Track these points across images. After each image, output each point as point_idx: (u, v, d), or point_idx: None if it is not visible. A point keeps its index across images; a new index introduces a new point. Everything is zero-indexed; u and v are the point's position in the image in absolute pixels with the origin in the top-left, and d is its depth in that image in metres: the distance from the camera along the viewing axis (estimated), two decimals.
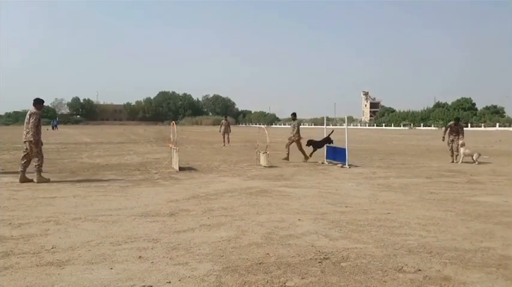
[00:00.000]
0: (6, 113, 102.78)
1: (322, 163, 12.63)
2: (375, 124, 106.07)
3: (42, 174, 8.63)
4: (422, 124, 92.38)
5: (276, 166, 11.82)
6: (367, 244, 4.28)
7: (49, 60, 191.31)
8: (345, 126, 13.20)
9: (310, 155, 13.31)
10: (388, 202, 6.64)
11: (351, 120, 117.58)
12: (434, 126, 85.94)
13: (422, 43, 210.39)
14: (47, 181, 8.50)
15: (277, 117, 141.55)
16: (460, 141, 13.11)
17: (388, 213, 5.78)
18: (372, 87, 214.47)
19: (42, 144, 8.73)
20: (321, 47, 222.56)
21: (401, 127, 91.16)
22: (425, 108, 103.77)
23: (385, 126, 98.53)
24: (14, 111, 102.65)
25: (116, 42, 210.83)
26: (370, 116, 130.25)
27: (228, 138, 22.06)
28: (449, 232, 4.82)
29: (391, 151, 18.80)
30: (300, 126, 14.01)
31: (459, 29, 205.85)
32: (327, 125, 14.15)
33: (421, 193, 7.52)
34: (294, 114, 13.99)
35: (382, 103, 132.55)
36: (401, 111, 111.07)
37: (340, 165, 11.81)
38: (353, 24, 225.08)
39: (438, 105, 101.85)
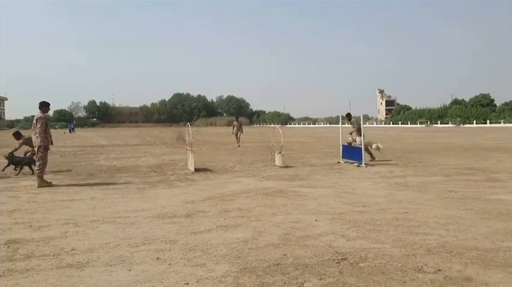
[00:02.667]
0: (25, 117, 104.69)
1: (338, 163, 12.54)
2: (391, 122, 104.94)
3: (46, 177, 8.79)
4: (439, 121, 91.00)
5: (291, 166, 11.78)
6: (385, 244, 4.23)
7: (66, 65, 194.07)
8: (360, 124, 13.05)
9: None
10: (405, 201, 6.55)
11: (366, 118, 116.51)
12: (451, 124, 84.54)
13: (438, 38, 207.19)
14: (49, 184, 8.52)
15: (292, 117, 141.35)
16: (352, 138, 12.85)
17: (406, 212, 5.70)
18: (387, 85, 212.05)
19: (48, 149, 8.80)
20: (336, 46, 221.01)
21: (418, 125, 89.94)
22: (442, 105, 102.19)
23: (401, 124, 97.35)
24: (32, 116, 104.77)
25: (130, 45, 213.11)
26: (386, 114, 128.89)
27: (239, 138, 22.32)
28: (470, 231, 4.73)
29: (408, 149, 18.56)
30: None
31: (477, 23, 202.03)
32: (342, 124, 13.98)
33: (439, 191, 7.40)
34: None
35: (397, 101, 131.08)
36: (418, 108, 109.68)
37: (357, 164, 11.71)
38: (368, 22, 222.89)
39: (455, 102, 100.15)
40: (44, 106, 8.78)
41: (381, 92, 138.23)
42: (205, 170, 11.20)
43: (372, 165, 11.69)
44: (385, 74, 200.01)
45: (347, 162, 12.44)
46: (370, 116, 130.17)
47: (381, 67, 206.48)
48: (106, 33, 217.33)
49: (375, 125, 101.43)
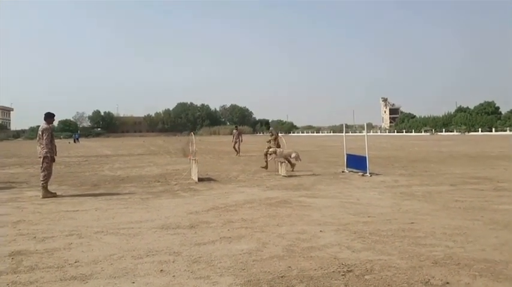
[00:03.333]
0: (30, 127, 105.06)
1: (343, 172, 12.48)
2: (395, 130, 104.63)
3: (51, 188, 8.80)
4: (444, 129, 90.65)
5: (295, 176, 11.75)
6: (391, 256, 4.18)
7: (71, 76, 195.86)
8: (364, 133, 13.04)
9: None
10: (411, 211, 6.49)
11: (370, 127, 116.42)
12: (456, 132, 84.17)
13: (440, 46, 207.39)
14: (54, 195, 8.55)
15: (295, 126, 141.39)
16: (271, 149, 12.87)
17: (412, 223, 5.64)
18: (391, 93, 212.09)
19: (54, 160, 8.84)
20: (338, 53, 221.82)
21: (423, 133, 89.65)
22: (446, 113, 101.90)
23: (405, 132, 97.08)
24: (37, 126, 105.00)
25: (136, 55, 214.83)
26: (390, 122, 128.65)
27: (238, 148, 21.91)
28: (478, 242, 4.66)
29: (412, 158, 18.46)
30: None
31: (477, 31, 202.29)
32: (346, 132, 13.96)
33: (445, 201, 7.33)
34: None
35: (401, 109, 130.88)
36: (422, 116, 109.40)
37: (361, 173, 11.65)
38: (371, 29, 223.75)
39: (460, 109, 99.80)
40: (49, 117, 8.85)
41: (385, 100, 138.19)
42: (209, 179, 11.19)
43: (377, 174, 11.62)
44: (388, 82, 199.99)
45: (351, 171, 12.39)
46: (374, 124, 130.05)
47: (384, 75, 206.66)
48: (111, 44, 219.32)
49: (378, 133, 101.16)
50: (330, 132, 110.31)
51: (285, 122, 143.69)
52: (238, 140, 21.95)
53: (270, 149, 12.81)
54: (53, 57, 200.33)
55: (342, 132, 14.13)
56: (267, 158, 13.27)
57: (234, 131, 22.73)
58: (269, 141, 13.69)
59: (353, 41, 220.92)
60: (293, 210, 6.72)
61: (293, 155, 12.49)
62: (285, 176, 11.58)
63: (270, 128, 13.46)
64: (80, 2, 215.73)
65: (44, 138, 8.56)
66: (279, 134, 14.90)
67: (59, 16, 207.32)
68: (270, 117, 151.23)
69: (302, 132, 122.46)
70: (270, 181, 10.65)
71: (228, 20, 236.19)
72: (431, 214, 6.21)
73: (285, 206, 7.05)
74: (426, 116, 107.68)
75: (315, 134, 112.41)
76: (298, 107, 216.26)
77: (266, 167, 13.35)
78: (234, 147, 22.10)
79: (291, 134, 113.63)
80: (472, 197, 7.72)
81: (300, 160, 12.87)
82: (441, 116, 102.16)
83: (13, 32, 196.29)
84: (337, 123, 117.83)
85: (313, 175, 12.03)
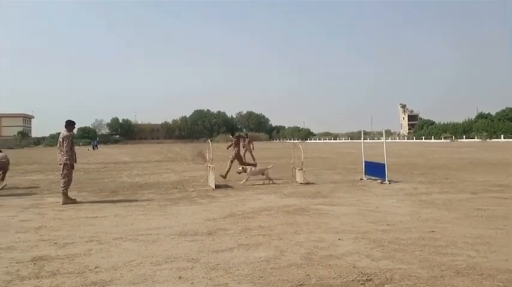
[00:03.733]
0: (51, 134, 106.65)
1: (361, 179, 12.35)
2: (414, 137, 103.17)
3: (71, 194, 8.98)
4: (464, 136, 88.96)
5: (312, 183, 11.68)
6: (411, 265, 4.11)
7: (89, 85, 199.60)
8: (382, 140, 12.90)
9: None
10: (431, 219, 6.37)
11: (388, 134, 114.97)
12: (477, 138, 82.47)
13: (459, 53, 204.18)
14: (74, 201, 8.70)
15: (312, 132, 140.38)
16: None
17: (433, 231, 5.54)
18: (409, 99, 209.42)
19: (73, 167, 9.00)
20: (356, 61, 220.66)
21: (442, 140, 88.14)
22: (467, 120, 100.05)
23: (424, 139, 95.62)
24: (58, 133, 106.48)
25: (152, 64, 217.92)
26: (409, 129, 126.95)
27: (250, 157, 19.55)
28: (501, 251, 4.55)
29: (432, 164, 18.16)
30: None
31: (498, 36, 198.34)
32: (364, 139, 13.82)
33: (467, 209, 7.18)
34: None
35: (420, 115, 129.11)
36: (442, 123, 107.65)
37: (380, 181, 11.51)
38: (389, 35, 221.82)
39: (481, 116, 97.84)
40: (70, 125, 9.05)
41: (403, 106, 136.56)
42: (226, 186, 11.22)
43: (396, 182, 11.47)
44: (406, 88, 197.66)
45: (370, 178, 12.25)
46: (392, 131, 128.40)
47: (402, 80, 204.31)
48: (129, 53, 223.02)
49: (397, 140, 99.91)
50: (348, 139, 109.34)
51: (302, 128, 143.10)
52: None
53: (239, 168, 12.24)
54: (72, 65, 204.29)
55: (360, 139, 13.99)
56: (230, 166, 12.85)
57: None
58: (230, 146, 13.67)
59: (369, 48, 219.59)
60: (311, 218, 6.67)
61: (266, 171, 12.01)
62: (302, 183, 11.52)
63: (237, 134, 13.44)
64: (100, 12, 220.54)
65: (65, 145, 8.74)
66: (296, 141, 14.81)
67: (77, 24, 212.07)
68: (287, 124, 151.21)
69: (319, 139, 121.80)
70: (287, 188, 10.62)
71: (249, 29, 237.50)
72: (452, 223, 6.09)
73: (302, 214, 7.01)
74: (446, 123, 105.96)
75: (332, 141, 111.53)
76: (315, 114, 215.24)
77: (225, 176, 12.73)
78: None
79: (308, 141, 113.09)
80: (494, 205, 7.54)
81: (270, 180, 11.94)
82: (461, 122, 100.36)
83: (37, 39, 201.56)
84: (355, 130, 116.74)
85: (331, 182, 11.94)
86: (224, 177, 12.81)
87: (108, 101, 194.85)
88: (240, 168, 12.34)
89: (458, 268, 4.00)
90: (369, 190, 10.10)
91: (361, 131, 16.68)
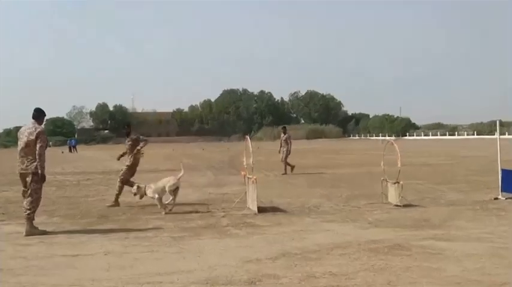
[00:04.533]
0: (5, 130, 79.00)
1: (495, 199, 9.20)
2: None
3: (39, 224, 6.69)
4: None
5: (415, 205, 8.80)
6: None
7: (56, 55, 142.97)
8: None
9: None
10: None
11: None
12: None
13: None
14: (43, 233, 6.55)
15: (414, 124, 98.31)
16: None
17: None
18: None
19: (45, 179, 6.82)
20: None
21: None
22: None
23: None
24: (16, 127, 65.50)
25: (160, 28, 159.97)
26: None
27: (285, 160, 15.97)
28: None
29: None
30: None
31: None
32: (500, 134, 10.36)
33: None
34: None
35: None
36: None
37: None
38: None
39: None
40: (41, 115, 6.88)
41: None
42: (275, 209, 8.76)
43: None
44: None
45: (510, 198, 9.15)
46: None
47: None
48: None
49: None
50: (473, 134, 75.68)
51: (396, 118, 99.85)
52: (285, 149, 16.25)
53: (133, 188, 8.64)
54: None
55: (493, 134, 11.24)
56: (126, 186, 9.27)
57: (282, 135, 16.76)
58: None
59: None
60: (414, 261, 4.82)
61: (168, 186, 8.42)
62: (399, 205, 8.60)
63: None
64: None
65: (38, 144, 6.53)
66: (390, 139, 12.30)
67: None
68: (371, 112, 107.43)
69: (426, 135, 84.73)
70: (373, 214, 8.06)
71: None
72: None
73: (399, 255, 5.14)
74: None
75: (447, 137, 77.50)
76: (418, 95, 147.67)
77: (116, 202, 9.21)
78: (282, 159, 15.97)
79: (408, 137, 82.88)
80: None
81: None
82: None
83: None
84: (485, 121, 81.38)
85: (445, 204, 9.04)
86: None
87: (91, 78, 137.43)
88: (134, 188, 8.62)
89: None
90: (507, 215, 7.61)
91: (496, 122, 11.88)
